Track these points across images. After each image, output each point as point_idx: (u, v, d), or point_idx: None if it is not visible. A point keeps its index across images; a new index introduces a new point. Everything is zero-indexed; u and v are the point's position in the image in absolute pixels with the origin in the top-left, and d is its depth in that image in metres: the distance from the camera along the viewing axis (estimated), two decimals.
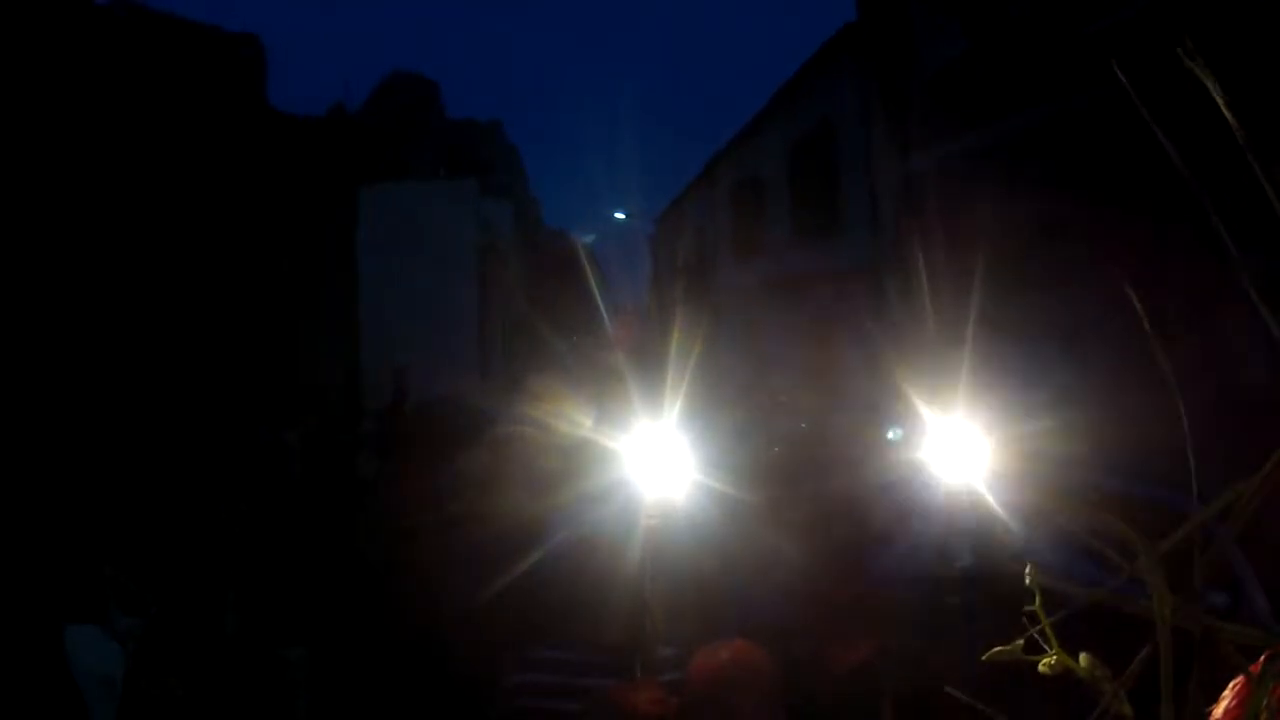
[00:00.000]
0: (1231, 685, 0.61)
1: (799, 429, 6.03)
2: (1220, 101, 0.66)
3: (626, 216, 25.26)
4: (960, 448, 1.46)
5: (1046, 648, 0.64)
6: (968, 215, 7.34)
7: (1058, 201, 6.54)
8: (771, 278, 13.08)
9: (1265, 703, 0.58)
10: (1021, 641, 0.65)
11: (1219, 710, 0.61)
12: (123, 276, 6.49)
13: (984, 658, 0.65)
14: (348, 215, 12.27)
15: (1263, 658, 0.59)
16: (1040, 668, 0.64)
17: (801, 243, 12.15)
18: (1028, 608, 0.65)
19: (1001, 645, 0.67)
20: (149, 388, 6.29)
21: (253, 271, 8.50)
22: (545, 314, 18.77)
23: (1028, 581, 0.65)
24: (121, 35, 7.35)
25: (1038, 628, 0.65)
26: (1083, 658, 0.63)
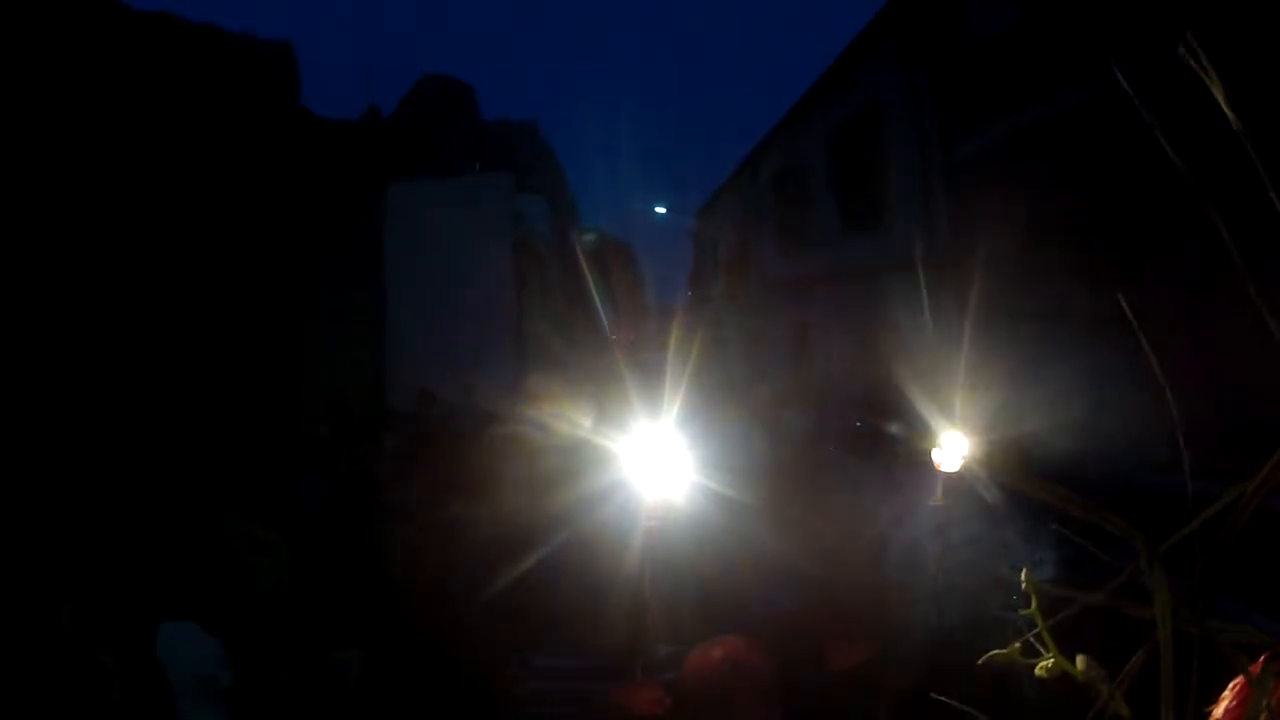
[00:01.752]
0: (1231, 685, 0.63)
1: (850, 427, 5.98)
2: (1221, 100, 0.67)
3: (666, 212, 25.34)
4: (978, 445, 1.48)
5: (1043, 650, 0.67)
6: (1025, 200, 7.14)
7: (1127, 183, 6.33)
8: (817, 270, 12.95)
9: (1265, 703, 0.60)
10: (1019, 644, 0.68)
11: (1219, 710, 0.63)
12: (129, 278, 6.75)
13: (981, 660, 0.68)
14: (371, 215, 12.33)
15: (1263, 658, 0.60)
16: (1037, 671, 0.66)
17: (849, 234, 11.98)
18: (1024, 611, 0.68)
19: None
20: (160, 393, 6.53)
21: (270, 275, 8.69)
22: (583, 313, 18.90)
23: (1024, 585, 0.68)
24: (151, 41, 7.67)
25: (1035, 631, 0.67)
26: (1080, 659, 0.66)
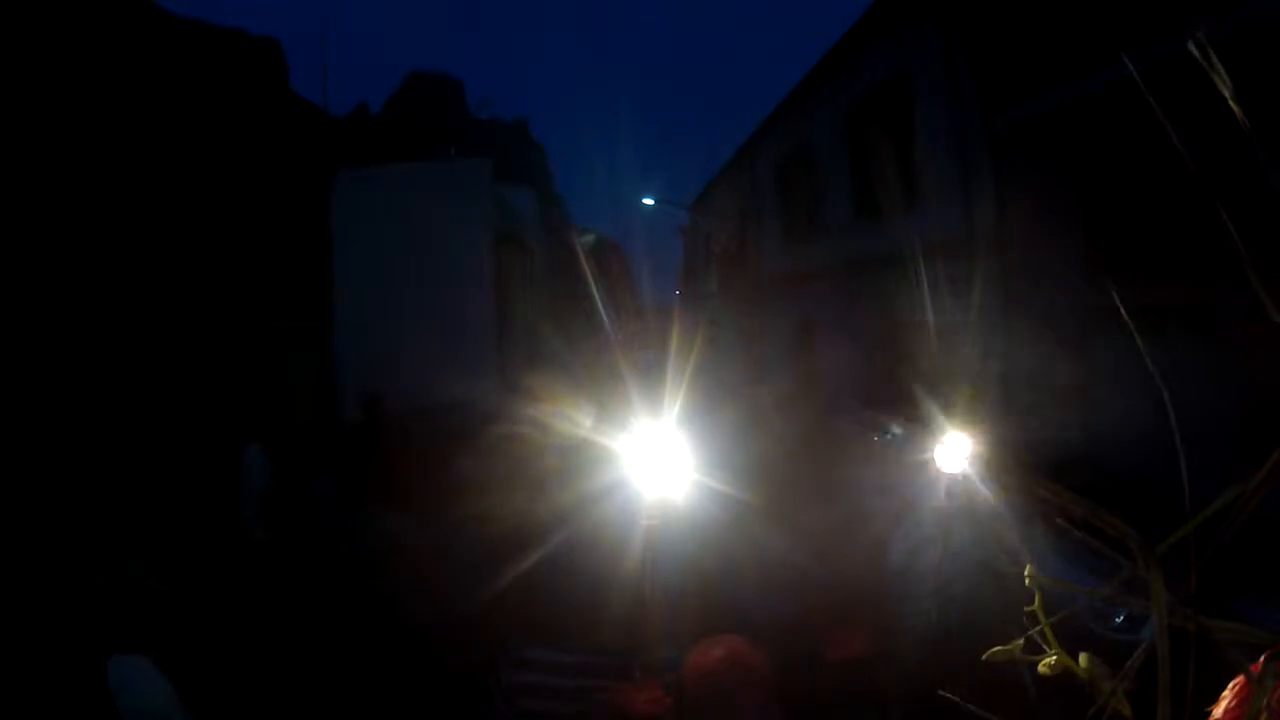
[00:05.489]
0: (1231, 685, 0.67)
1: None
2: (1230, 99, 0.72)
3: (656, 202, 25.37)
4: (1007, 446, 1.53)
5: (1046, 647, 0.71)
6: (1082, 178, 6.81)
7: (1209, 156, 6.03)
8: (825, 262, 12.81)
9: (1265, 703, 0.64)
10: (1021, 641, 0.72)
11: (1219, 710, 0.67)
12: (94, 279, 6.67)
13: (984, 657, 0.73)
14: (321, 206, 12.06)
15: (1263, 658, 0.65)
16: (1040, 668, 0.71)
17: (865, 221, 11.47)
18: (1028, 607, 0.72)
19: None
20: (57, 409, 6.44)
21: (202, 273, 8.58)
22: (574, 309, 18.95)
23: (1027, 582, 0.73)
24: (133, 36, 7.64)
25: (1038, 628, 0.72)
26: (1083, 657, 0.70)
